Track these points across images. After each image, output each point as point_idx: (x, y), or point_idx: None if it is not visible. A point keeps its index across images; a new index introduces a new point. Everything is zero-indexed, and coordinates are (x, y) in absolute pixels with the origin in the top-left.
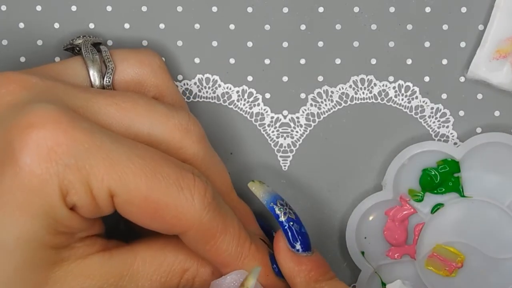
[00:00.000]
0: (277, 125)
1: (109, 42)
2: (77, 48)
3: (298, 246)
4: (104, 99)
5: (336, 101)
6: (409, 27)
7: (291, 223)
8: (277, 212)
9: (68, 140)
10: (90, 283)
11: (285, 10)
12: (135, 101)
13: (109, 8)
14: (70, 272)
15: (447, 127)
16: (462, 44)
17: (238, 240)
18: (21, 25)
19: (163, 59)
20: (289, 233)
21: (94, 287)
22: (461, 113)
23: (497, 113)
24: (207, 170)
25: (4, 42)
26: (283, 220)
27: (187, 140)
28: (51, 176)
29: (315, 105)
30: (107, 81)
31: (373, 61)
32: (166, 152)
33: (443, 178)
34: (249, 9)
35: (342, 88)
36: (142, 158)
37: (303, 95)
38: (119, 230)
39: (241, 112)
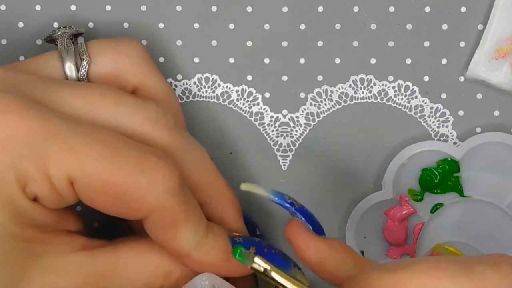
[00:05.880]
0: (277, 124)
1: None
2: (57, 40)
3: (320, 231)
4: (69, 91)
5: (336, 100)
6: (409, 26)
7: (305, 208)
8: (289, 200)
9: (22, 129)
10: (70, 281)
11: (285, 9)
12: (102, 93)
13: (108, 8)
14: (47, 269)
15: (447, 126)
16: (462, 44)
17: (198, 230)
18: (21, 24)
19: (145, 41)
20: (309, 218)
21: (72, 285)
22: (461, 112)
23: (496, 113)
24: (183, 159)
25: (4, 41)
26: (299, 206)
27: (157, 132)
28: (6, 167)
29: (315, 105)
30: (82, 75)
31: (373, 61)
32: None
33: (442, 178)
34: (249, 9)
35: (342, 88)
36: (101, 142)
37: (302, 95)
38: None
39: (241, 111)
